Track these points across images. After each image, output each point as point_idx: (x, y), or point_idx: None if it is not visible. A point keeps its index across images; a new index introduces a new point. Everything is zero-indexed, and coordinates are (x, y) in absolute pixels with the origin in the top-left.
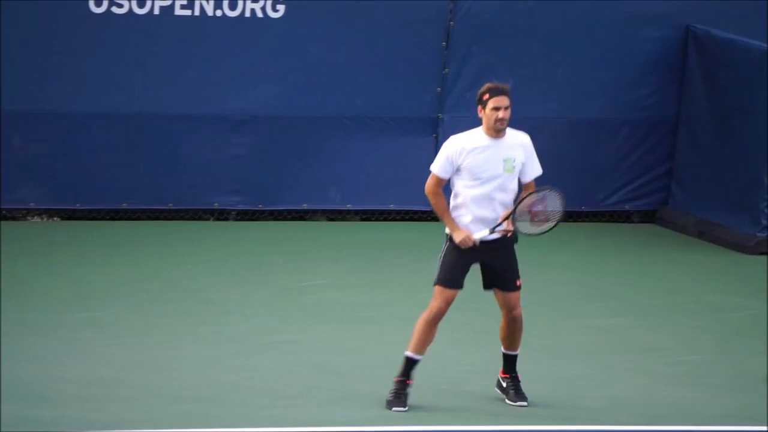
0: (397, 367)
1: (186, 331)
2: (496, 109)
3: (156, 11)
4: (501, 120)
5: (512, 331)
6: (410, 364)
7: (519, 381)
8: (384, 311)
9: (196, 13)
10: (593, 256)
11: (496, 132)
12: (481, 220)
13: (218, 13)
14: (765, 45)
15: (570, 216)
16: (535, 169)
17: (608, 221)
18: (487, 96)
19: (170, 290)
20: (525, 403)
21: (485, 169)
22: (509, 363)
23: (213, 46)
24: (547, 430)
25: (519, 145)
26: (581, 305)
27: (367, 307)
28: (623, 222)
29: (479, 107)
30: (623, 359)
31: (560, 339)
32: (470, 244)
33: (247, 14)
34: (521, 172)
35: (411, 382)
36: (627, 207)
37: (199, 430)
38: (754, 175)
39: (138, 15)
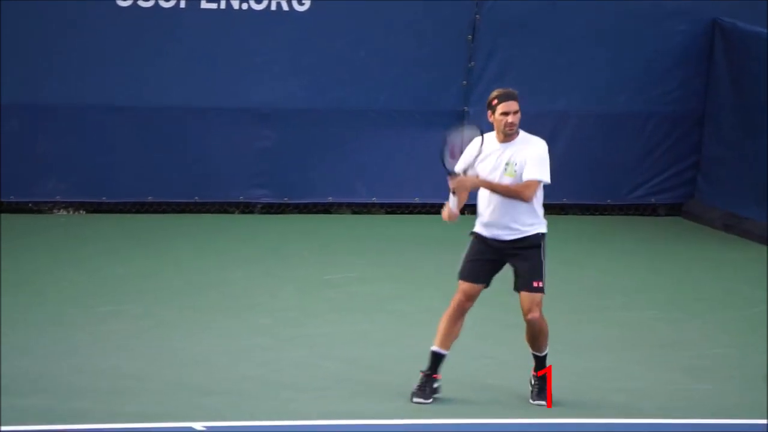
0: (423, 359)
1: (211, 325)
2: (505, 114)
3: (182, 4)
4: (510, 124)
5: (531, 335)
6: (435, 358)
7: (544, 379)
8: (410, 304)
9: (222, 6)
10: (619, 249)
11: (505, 136)
12: (489, 223)
13: (244, 6)
14: None
15: (596, 209)
16: (531, 172)
17: (634, 214)
18: (496, 101)
19: (196, 283)
20: (543, 403)
21: (488, 172)
22: (536, 362)
23: (239, 40)
24: (569, 423)
25: (526, 148)
26: (606, 298)
27: (393, 300)
28: (649, 215)
29: (489, 112)
30: (648, 353)
31: (585, 332)
32: (451, 217)
33: (273, 8)
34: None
35: (438, 376)
36: (653, 200)
37: (225, 423)
38: None
39: (164, 8)
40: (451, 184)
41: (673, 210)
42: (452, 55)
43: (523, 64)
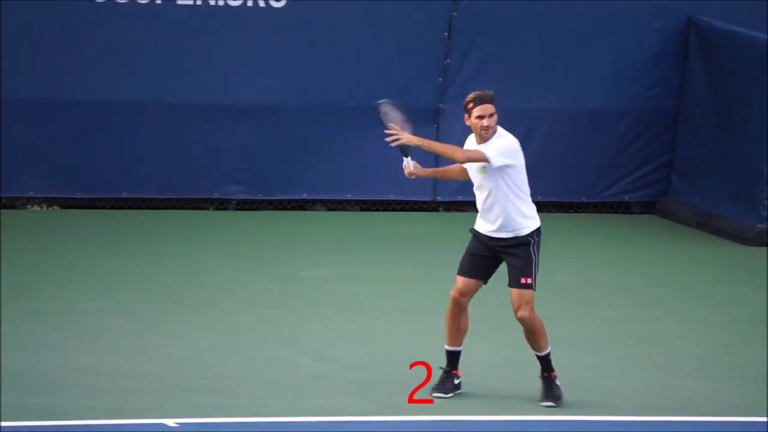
0: (404, 356)
1: (187, 321)
2: (481, 117)
3: (158, 1)
4: (486, 128)
5: (525, 333)
6: (449, 355)
7: (551, 380)
8: (386, 302)
9: (198, 2)
10: (594, 247)
11: (482, 139)
12: (481, 215)
13: (220, 2)
14: (765, 36)
15: (570, 207)
16: (482, 147)
17: (608, 212)
18: (471, 105)
19: (171, 279)
20: (551, 404)
21: (470, 169)
22: (540, 363)
23: (214, 36)
24: (549, 420)
25: (496, 142)
26: (583, 296)
27: (370, 297)
28: (623, 213)
29: (465, 116)
30: (628, 350)
31: (563, 330)
32: (413, 174)
33: (249, 3)
34: None
35: (458, 372)
36: (627, 198)
37: (201, 420)
38: (754, 166)
39: (140, 4)
40: (389, 138)
41: (647, 208)
42: (428, 52)
43: (498, 61)
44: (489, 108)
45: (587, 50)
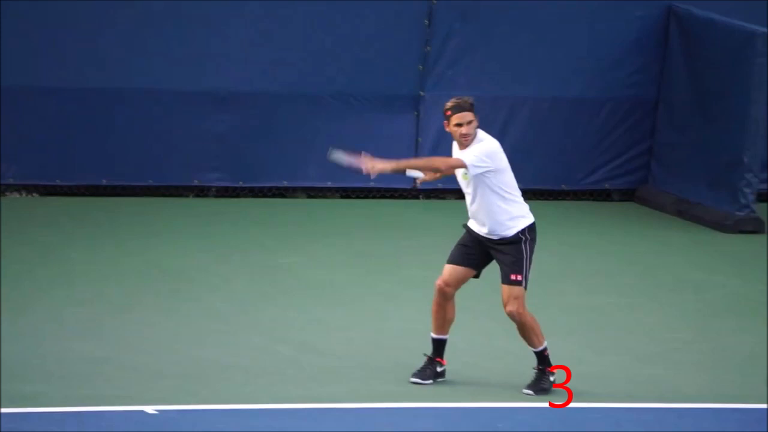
0: (379, 343)
1: (167, 308)
2: (459, 125)
3: None
4: (465, 135)
5: (518, 329)
6: (434, 343)
7: (544, 373)
8: (365, 289)
9: None
10: (573, 234)
11: (461, 145)
12: (471, 215)
13: None
14: (746, 25)
15: (550, 194)
16: (461, 154)
17: (588, 199)
18: (449, 113)
19: (151, 267)
20: (531, 393)
21: (457, 175)
22: (536, 357)
23: (195, 23)
24: (524, 407)
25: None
26: (562, 283)
27: (348, 284)
28: (603, 200)
29: (445, 122)
30: (605, 337)
31: (541, 317)
32: (425, 179)
33: None
34: None
35: (442, 361)
36: (607, 185)
37: (180, 406)
38: (733, 154)
39: None
40: (365, 172)
41: (627, 195)
42: (408, 39)
43: (479, 49)
44: (467, 116)
45: (568, 37)
